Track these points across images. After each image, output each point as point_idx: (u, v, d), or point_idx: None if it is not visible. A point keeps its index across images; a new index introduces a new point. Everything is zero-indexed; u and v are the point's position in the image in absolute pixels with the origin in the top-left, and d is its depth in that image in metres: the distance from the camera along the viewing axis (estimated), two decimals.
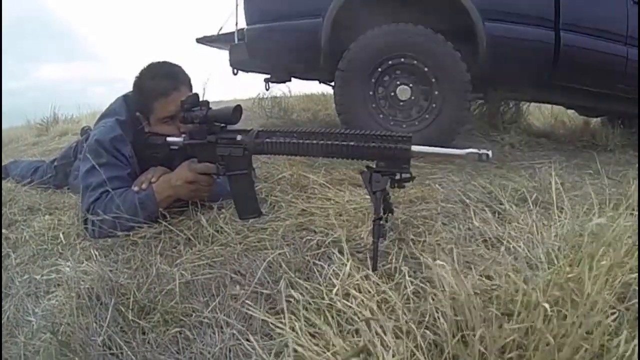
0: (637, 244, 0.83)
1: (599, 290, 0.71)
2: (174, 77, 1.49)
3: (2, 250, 1.39)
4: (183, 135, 1.44)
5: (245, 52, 2.61)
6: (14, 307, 1.09)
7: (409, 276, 0.92)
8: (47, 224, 1.51)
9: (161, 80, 1.47)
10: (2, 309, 1.09)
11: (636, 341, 0.65)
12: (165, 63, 1.54)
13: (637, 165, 1.18)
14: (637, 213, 0.93)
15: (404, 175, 1.10)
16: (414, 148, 1.07)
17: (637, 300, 0.76)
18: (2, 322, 1.04)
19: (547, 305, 0.68)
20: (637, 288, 0.77)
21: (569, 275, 0.74)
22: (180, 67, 1.55)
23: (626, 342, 0.66)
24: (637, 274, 0.78)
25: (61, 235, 1.40)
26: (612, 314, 0.70)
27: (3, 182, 2.11)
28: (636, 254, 0.83)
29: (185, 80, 1.53)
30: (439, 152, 1.10)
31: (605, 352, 0.66)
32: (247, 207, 1.33)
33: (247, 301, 0.92)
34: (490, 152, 1.02)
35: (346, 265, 0.93)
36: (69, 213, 1.61)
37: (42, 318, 0.99)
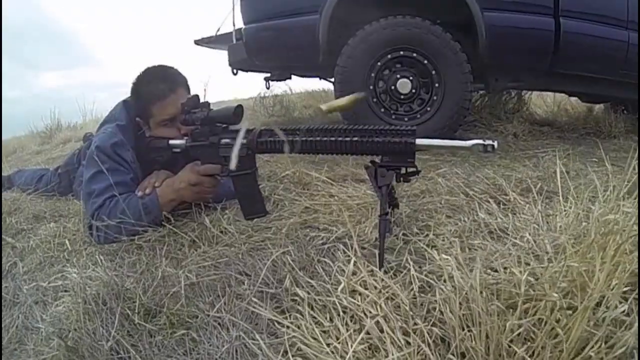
0: (638, 235, 0.81)
1: (608, 281, 0.71)
2: (170, 80, 1.49)
3: (10, 258, 1.40)
4: (185, 138, 1.44)
5: (243, 51, 2.61)
6: (22, 314, 1.10)
7: (415, 271, 0.91)
8: (52, 232, 1.52)
9: (158, 84, 1.47)
10: (12, 317, 1.10)
11: None
12: (160, 66, 1.54)
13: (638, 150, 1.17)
14: (637, 202, 0.92)
15: (409, 169, 1.09)
16: (419, 141, 1.06)
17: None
18: (11, 330, 1.05)
19: (555, 296, 0.67)
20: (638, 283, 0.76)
21: (579, 266, 0.73)
22: (175, 69, 1.55)
23: (636, 333, 0.65)
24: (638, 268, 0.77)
25: (67, 242, 1.41)
26: (621, 304, 0.69)
27: (8, 192, 2.13)
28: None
29: (182, 82, 1.53)
30: (445, 144, 1.09)
31: (615, 343, 0.65)
32: (252, 206, 1.33)
33: (254, 297, 0.92)
34: (495, 143, 1.01)
35: (353, 261, 0.93)
36: (74, 220, 1.61)
37: (50, 324, 1.00)
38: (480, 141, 1.02)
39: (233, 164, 1.08)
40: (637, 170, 0.97)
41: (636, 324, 0.66)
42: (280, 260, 1.06)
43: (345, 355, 0.72)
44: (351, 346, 0.72)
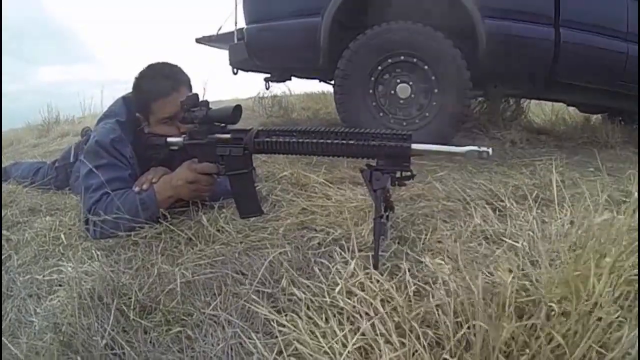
0: (637, 241, 0.82)
1: (602, 287, 0.71)
2: (173, 78, 1.49)
3: (4, 251, 1.39)
4: (183, 136, 1.44)
5: (244, 51, 2.61)
6: (16, 307, 1.09)
7: (410, 274, 0.92)
8: (48, 225, 1.51)
9: (160, 81, 1.47)
10: (5, 310, 1.09)
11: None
12: (164, 64, 1.54)
13: (637, 161, 1.17)
14: (637, 210, 0.93)
15: (404, 173, 1.10)
16: (415, 146, 1.07)
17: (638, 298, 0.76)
18: (5, 323, 1.05)
19: (553, 303, 0.68)
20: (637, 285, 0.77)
21: (575, 273, 0.74)
22: (179, 67, 1.55)
23: (629, 340, 0.66)
24: (638, 271, 0.78)
25: (62, 236, 1.41)
26: (616, 310, 0.70)
27: (4, 184, 2.12)
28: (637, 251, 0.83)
29: (185, 81, 1.53)
30: (440, 149, 1.10)
31: (609, 349, 0.66)
32: (248, 206, 1.34)
33: (252, 295, 0.92)
34: (490, 150, 1.02)
35: (350, 263, 0.94)
36: (70, 214, 1.61)
37: (44, 318, 0.99)
38: (475, 147, 1.03)
39: None
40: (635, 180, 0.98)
41: (634, 331, 0.66)
42: (277, 260, 1.06)
43: (341, 355, 0.72)
44: (347, 347, 0.72)
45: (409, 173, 1.10)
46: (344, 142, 1.13)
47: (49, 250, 1.35)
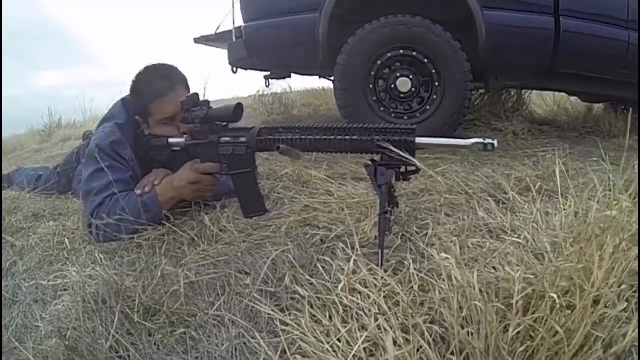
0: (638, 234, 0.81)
1: (606, 279, 0.71)
2: (169, 78, 1.49)
3: (9, 257, 1.39)
4: (185, 136, 1.44)
5: (243, 50, 2.60)
6: (22, 313, 1.10)
7: (414, 269, 0.91)
8: (52, 230, 1.52)
9: (157, 82, 1.47)
10: (11, 316, 1.10)
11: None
12: (160, 65, 1.54)
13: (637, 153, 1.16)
14: (637, 201, 0.92)
15: (409, 168, 1.09)
16: (419, 140, 1.06)
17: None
18: (11, 329, 1.05)
19: (555, 296, 0.67)
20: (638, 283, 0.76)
21: (579, 266, 0.73)
22: (175, 67, 1.55)
23: (635, 332, 0.65)
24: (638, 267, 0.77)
25: (66, 241, 1.41)
26: (620, 302, 0.69)
27: (8, 190, 2.13)
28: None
29: (182, 80, 1.53)
30: (444, 143, 1.10)
31: (614, 341, 0.66)
32: (252, 205, 1.33)
33: (255, 294, 0.92)
34: (495, 142, 1.01)
35: (352, 260, 0.93)
36: (74, 218, 1.61)
37: (49, 323, 1.00)
38: (480, 140, 1.02)
39: None
40: (637, 170, 0.97)
41: (635, 321, 0.66)
42: (280, 258, 1.06)
43: (345, 353, 0.72)
44: (353, 345, 0.72)
45: (413, 168, 1.09)
46: (348, 137, 1.12)
47: (54, 255, 1.36)
